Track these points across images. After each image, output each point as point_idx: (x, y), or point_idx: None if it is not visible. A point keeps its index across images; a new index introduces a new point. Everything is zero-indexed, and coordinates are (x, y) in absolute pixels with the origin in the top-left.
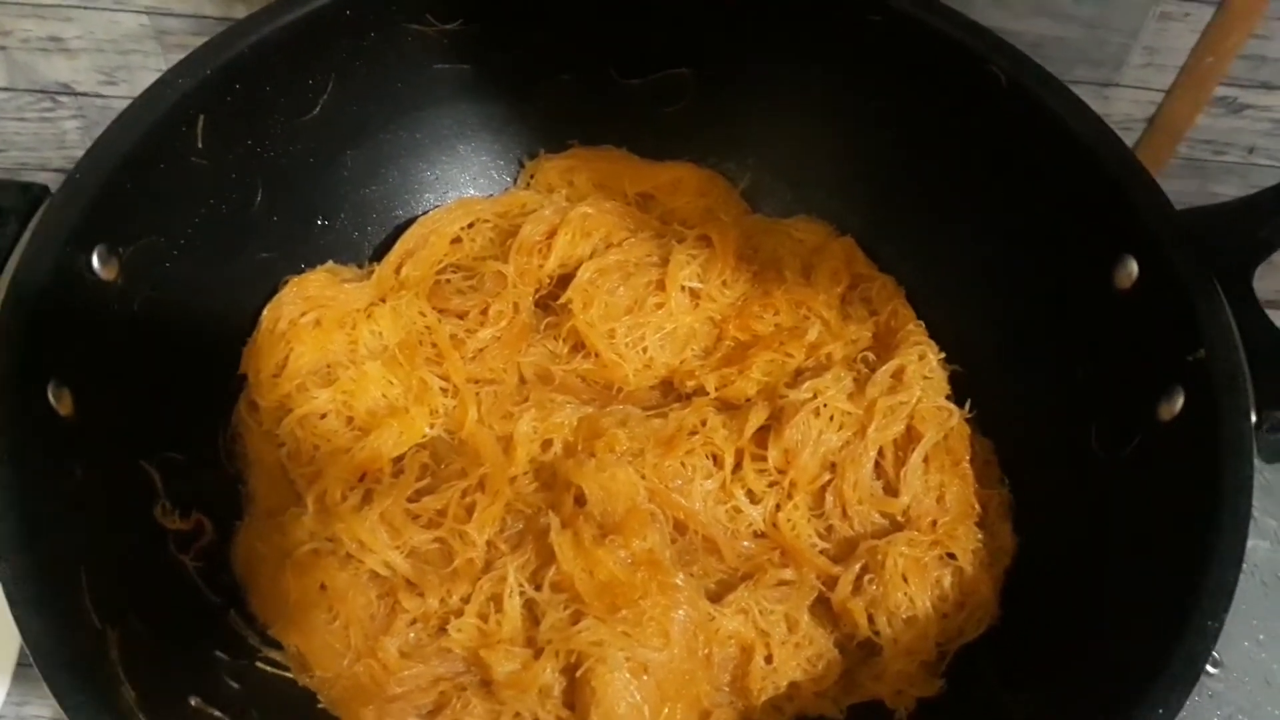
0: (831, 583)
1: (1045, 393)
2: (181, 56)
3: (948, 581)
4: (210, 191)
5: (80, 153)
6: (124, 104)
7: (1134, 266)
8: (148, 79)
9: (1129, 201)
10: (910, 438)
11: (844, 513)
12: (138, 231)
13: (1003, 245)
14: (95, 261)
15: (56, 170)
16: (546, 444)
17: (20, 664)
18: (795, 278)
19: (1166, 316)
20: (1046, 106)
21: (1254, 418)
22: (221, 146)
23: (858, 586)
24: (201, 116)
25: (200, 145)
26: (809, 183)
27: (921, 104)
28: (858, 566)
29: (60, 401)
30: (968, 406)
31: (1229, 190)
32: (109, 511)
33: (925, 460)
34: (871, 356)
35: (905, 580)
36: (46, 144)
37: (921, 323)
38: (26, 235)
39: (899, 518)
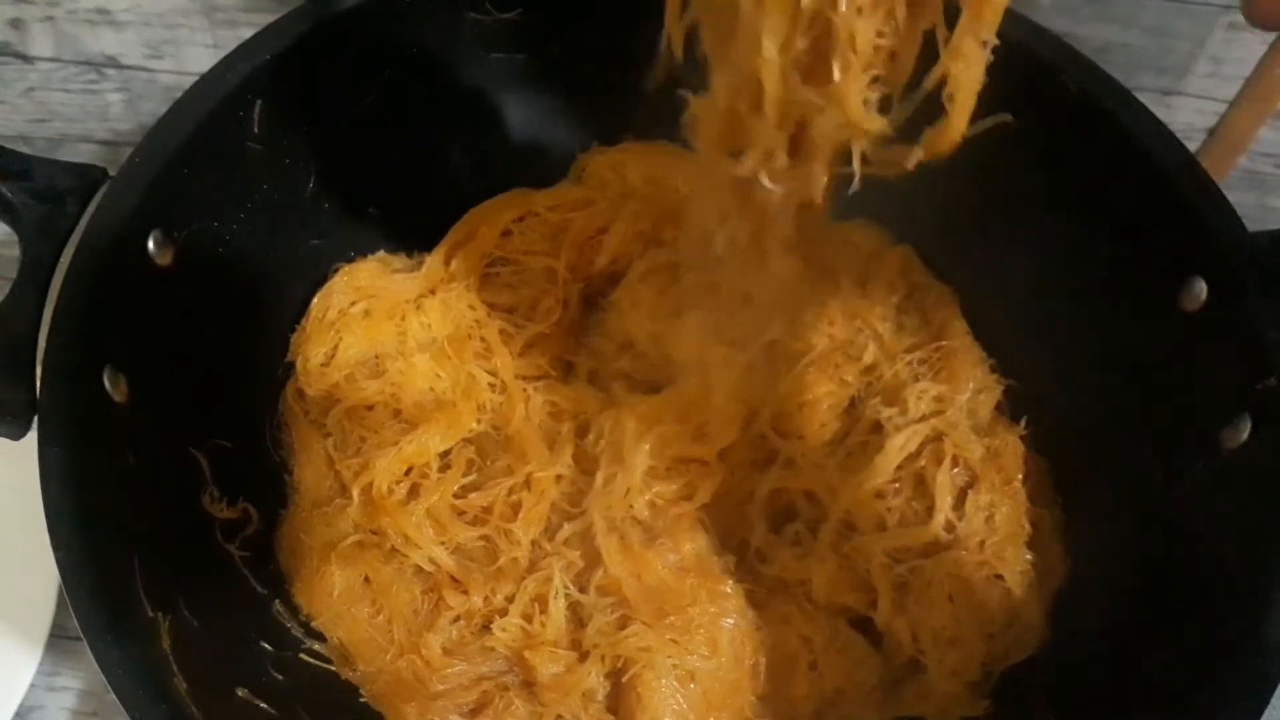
0: (873, 602)
1: (1104, 413)
2: (229, 32)
3: (995, 603)
4: (264, 177)
5: (124, 126)
6: (169, 78)
7: (1203, 288)
8: (194, 54)
9: (1201, 222)
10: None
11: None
12: (193, 217)
13: (1064, 258)
14: (152, 246)
15: (99, 142)
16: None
17: (53, 635)
18: (851, 288)
19: (1235, 341)
20: (1118, 120)
21: None
22: (277, 132)
23: (901, 606)
24: (259, 102)
25: (256, 130)
26: (865, 184)
27: (985, 110)
28: (899, 585)
29: (115, 387)
30: (1023, 424)
31: None
32: (160, 498)
33: (975, 479)
34: (924, 370)
35: (951, 600)
36: (90, 116)
37: (974, 340)
38: (85, 219)
39: (944, 536)
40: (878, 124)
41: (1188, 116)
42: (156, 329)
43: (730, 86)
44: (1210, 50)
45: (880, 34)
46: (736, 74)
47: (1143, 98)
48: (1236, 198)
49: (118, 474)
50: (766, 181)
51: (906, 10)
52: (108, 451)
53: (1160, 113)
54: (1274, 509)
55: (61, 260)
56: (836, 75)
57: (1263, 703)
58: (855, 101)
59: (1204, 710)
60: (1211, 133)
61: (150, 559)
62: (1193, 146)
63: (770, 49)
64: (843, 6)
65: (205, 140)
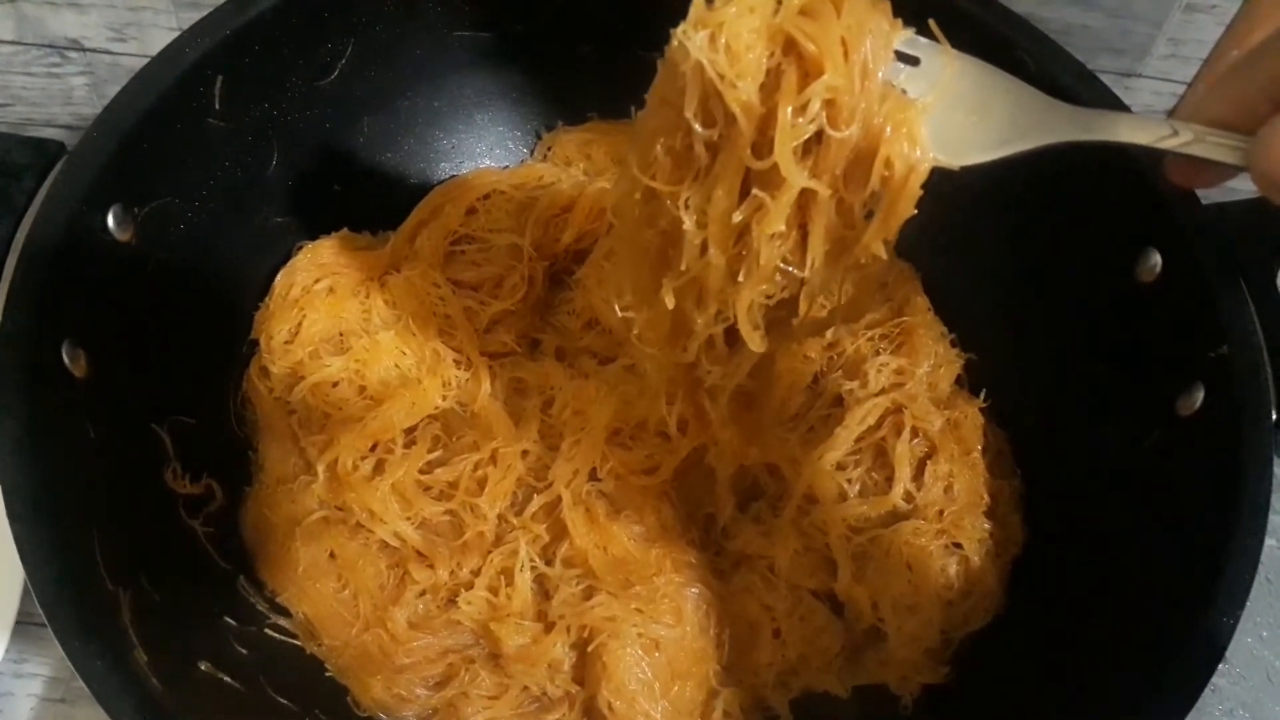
0: (834, 570)
1: (1063, 385)
2: (192, 15)
3: (953, 570)
4: (226, 154)
5: (88, 109)
6: (133, 61)
7: (1157, 260)
8: (157, 36)
9: (1155, 195)
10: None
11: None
12: (153, 192)
13: (1023, 233)
14: (111, 221)
15: (63, 126)
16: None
17: (19, 621)
18: None
19: (1189, 311)
20: (1073, 95)
21: (1275, 416)
22: (239, 108)
23: (861, 575)
24: (220, 77)
25: (218, 106)
26: None
27: None
28: (859, 555)
29: (74, 362)
30: (982, 396)
31: (1247, 185)
32: (121, 473)
33: (934, 450)
34: (885, 345)
35: (909, 569)
36: (54, 100)
37: (935, 316)
38: (42, 193)
39: (903, 506)
40: (759, 343)
41: (1147, 98)
42: (117, 304)
43: (678, 290)
44: (1169, 32)
45: (785, 260)
46: (679, 278)
47: (1103, 79)
48: None
49: (77, 448)
50: (707, 364)
51: (826, 247)
52: (67, 425)
53: (1120, 94)
54: (1227, 472)
55: (18, 235)
56: (741, 278)
57: (1208, 673)
58: (745, 305)
59: (1153, 681)
60: (1170, 114)
61: (110, 533)
62: None
63: (717, 256)
64: (754, 230)
65: (165, 115)
